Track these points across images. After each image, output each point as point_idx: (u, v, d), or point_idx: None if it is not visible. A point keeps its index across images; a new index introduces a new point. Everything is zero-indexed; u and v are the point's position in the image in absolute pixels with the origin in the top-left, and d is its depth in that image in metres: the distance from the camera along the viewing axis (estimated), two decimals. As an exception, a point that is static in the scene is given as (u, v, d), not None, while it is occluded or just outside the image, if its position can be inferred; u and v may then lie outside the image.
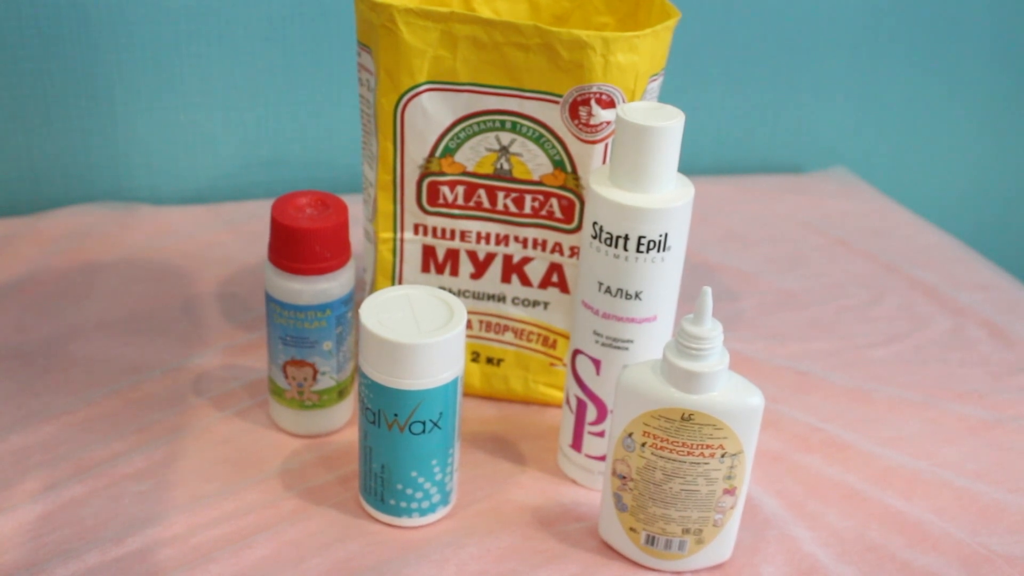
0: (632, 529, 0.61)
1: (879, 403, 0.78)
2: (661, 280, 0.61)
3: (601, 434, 0.66)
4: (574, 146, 0.65)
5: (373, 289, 0.73)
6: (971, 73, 1.20)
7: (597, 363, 0.64)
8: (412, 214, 0.69)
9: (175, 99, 0.97)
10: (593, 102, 0.64)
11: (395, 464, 0.61)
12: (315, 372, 0.67)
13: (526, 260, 0.70)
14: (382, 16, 0.63)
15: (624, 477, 0.60)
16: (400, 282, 0.72)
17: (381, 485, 0.62)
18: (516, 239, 0.69)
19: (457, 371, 0.60)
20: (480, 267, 0.70)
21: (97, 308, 0.82)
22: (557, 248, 0.69)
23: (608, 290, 0.62)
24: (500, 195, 0.68)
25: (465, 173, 0.67)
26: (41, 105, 0.94)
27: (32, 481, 0.64)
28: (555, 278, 0.70)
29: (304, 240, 0.64)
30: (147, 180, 1.00)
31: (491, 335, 0.73)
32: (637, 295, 0.61)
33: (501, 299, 0.71)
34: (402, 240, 0.70)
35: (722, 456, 0.57)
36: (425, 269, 0.71)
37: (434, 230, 0.70)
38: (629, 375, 0.58)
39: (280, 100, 1.00)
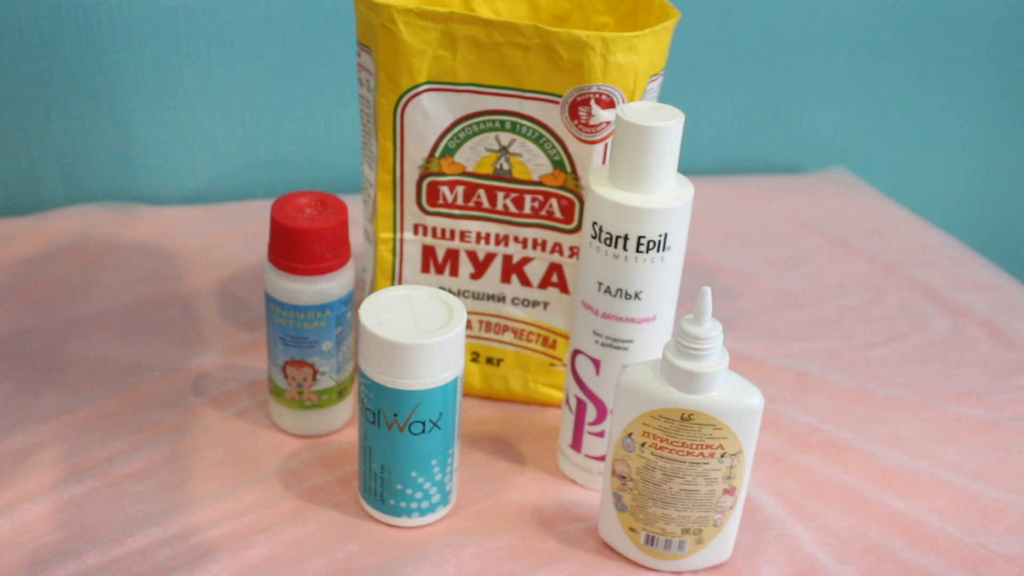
0: (632, 529, 0.61)
1: (878, 403, 0.78)
2: (661, 280, 0.61)
3: (601, 434, 0.66)
4: (574, 146, 0.66)
5: (373, 289, 0.73)
6: (971, 73, 1.20)
7: (597, 363, 0.64)
8: (412, 214, 0.69)
9: (175, 99, 0.97)
10: (593, 102, 0.64)
11: (395, 464, 0.61)
12: (315, 372, 0.67)
13: (526, 260, 0.70)
14: (382, 16, 0.63)
15: (624, 477, 0.60)
16: (400, 282, 0.72)
17: (381, 485, 0.62)
18: (516, 239, 0.69)
19: (457, 371, 0.60)
20: (480, 267, 0.71)
21: (97, 308, 0.82)
22: (557, 248, 0.69)
23: (608, 290, 0.62)
24: (500, 195, 0.68)
25: (465, 173, 0.68)
26: (41, 105, 0.94)
27: (32, 481, 0.64)
28: (555, 278, 0.70)
29: (304, 240, 0.64)
30: (147, 180, 1.00)
31: (491, 335, 0.73)
32: (637, 295, 0.61)
33: (501, 299, 0.72)
34: (402, 240, 0.70)
35: (722, 456, 0.57)
36: (425, 269, 0.71)
37: (434, 230, 0.70)
38: (629, 375, 0.58)
39: (280, 100, 1.00)
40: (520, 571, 0.60)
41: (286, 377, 0.68)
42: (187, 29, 0.94)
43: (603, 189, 0.60)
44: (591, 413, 0.66)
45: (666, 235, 0.60)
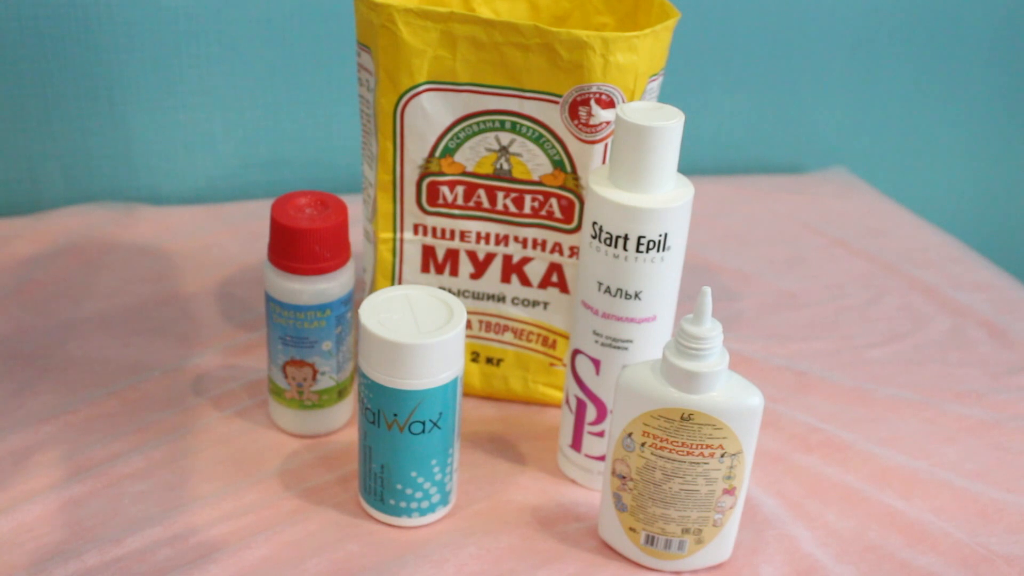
0: (632, 529, 0.61)
1: (878, 403, 0.78)
2: (661, 280, 0.61)
3: (601, 434, 0.66)
4: (574, 146, 0.66)
5: (373, 289, 0.73)
6: (970, 73, 1.20)
7: (597, 363, 0.64)
8: (412, 214, 0.69)
9: (175, 99, 0.97)
10: (593, 102, 0.64)
11: (395, 464, 0.61)
12: (315, 372, 0.67)
13: (526, 260, 0.70)
14: (382, 16, 0.63)
15: (624, 477, 0.60)
16: (400, 282, 0.72)
17: (381, 485, 0.62)
18: (516, 239, 0.69)
19: (457, 371, 0.60)
20: (480, 267, 0.71)
21: (97, 308, 0.82)
22: (557, 248, 0.69)
23: (608, 290, 0.62)
24: (500, 195, 0.68)
25: (465, 173, 0.68)
26: (41, 105, 0.94)
27: (32, 481, 0.64)
28: (555, 278, 0.70)
29: (303, 240, 0.64)
30: (147, 180, 1.00)
31: (491, 335, 0.73)
32: (637, 295, 0.61)
33: (501, 299, 0.72)
34: (402, 240, 0.70)
35: (721, 456, 0.57)
36: (425, 269, 0.71)
37: (434, 230, 0.70)
38: (628, 375, 0.58)
39: (280, 100, 1.00)
40: (520, 571, 0.60)
41: (286, 377, 0.68)
42: (187, 29, 0.94)
43: (603, 189, 0.60)
44: (591, 413, 0.66)
45: (666, 235, 0.60)
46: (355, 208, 0.91)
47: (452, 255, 0.70)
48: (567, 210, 0.68)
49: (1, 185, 0.96)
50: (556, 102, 0.64)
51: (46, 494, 0.63)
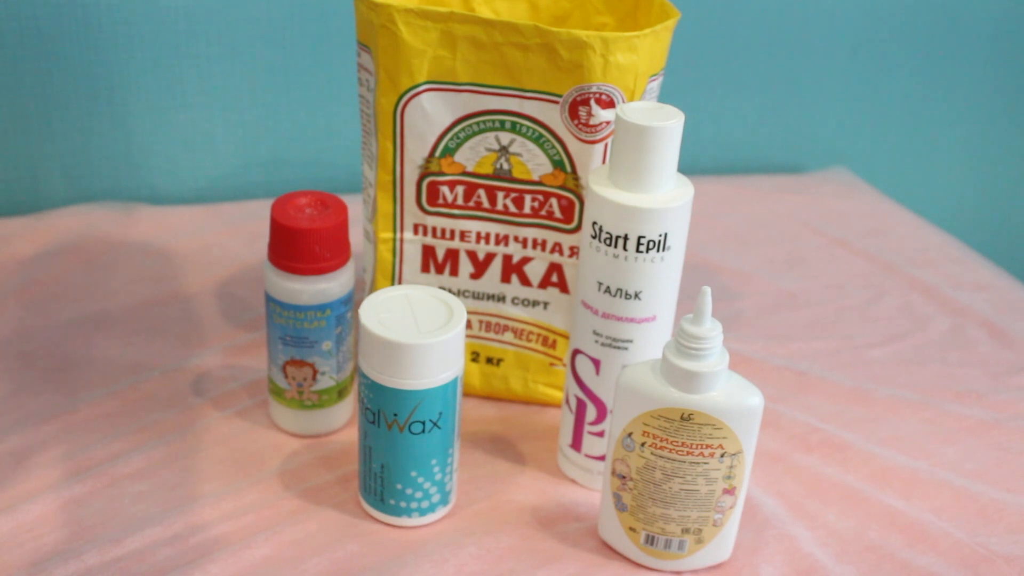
0: (632, 529, 0.61)
1: (878, 403, 0.78)
2: (660, 280, 0.61)
3: (601, 434, 0.66)
4: (574, 146, 0.66)
5: (373, 289, 0.73)
6: (971, 73, 1.20)
7: (597, 363, 0.64)
8: (412, 214, 0.69)
9: (175, 99, 0.97)
10: (593, 102, 0.64)
11: (395, 464, 0.61)
12: (315, 372, 0.67)
13: (526, 260, 0.70)
14: (382, 16, 0.63)
15: (624, 477, 0.60)
16: (400, 282, 0.72)
17: (381, 485, 0.62)
18: (516, 239, 0.69)
19: (457, 371, 0.60)
20: (480, 267, 0.71)
21: (97, 308, 0.82)
22: (557, 248, 0.69)
23: (608, 290, 0.62)
24: (500, 195, 0.68)
25: (465, 173, 0.68)
26: (41, 105, 0.94)
27: (32, 481, 0.64)
28: (555, 278, 0.70)
29: (303, 240, 0.64)
30: (147, 180, 1.00)
31: (491, 335, 0.73)
32: (636, 295, 0.61)
33: (501, 299, 0.72)
34: (402, 240, 0.70)
35: (721, 456, 0.57)
36: (425, 269, 0.71)
37: (434, 230, 0.70)
38: (628, 375, 0.58)
39: (280, 100, 1.00)
40: (520, 571, 0.60)
41: (286, 377, 0.68)
42: (187, 29, 0.94)
43: (603, 189, 0.60)
44: (591, 413, 0.66)
45: (666, 235, 0.60)
46: (355, 208, 0.91)
47: (452, 255, 0.70)
48: (567, 210, 0.68)
49: (1, 185, 0.96)
50: (556, 102, 0.64)
51: (46, 494, 0.63)
